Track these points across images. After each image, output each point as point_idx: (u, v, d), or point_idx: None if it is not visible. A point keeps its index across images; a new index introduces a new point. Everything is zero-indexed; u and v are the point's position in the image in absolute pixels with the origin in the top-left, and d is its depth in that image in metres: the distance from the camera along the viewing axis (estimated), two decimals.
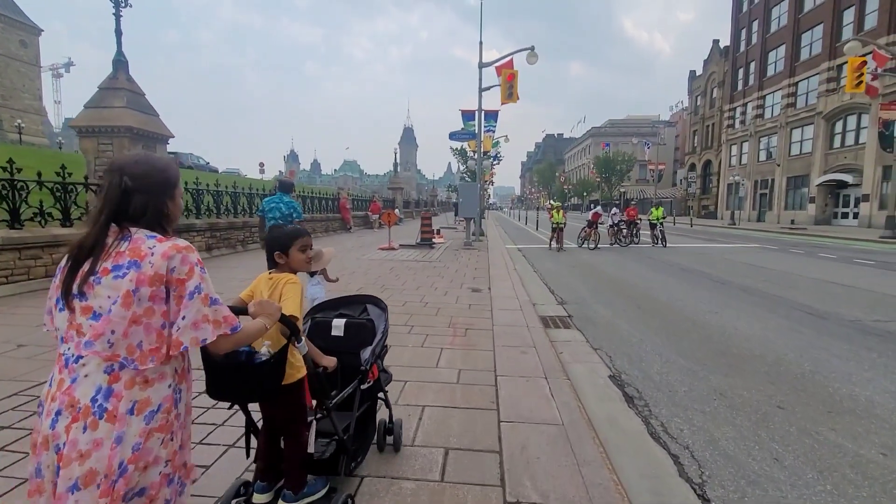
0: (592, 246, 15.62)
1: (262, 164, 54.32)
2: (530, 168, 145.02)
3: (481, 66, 18.27)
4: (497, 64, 18.04)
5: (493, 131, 21.82)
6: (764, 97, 37.67)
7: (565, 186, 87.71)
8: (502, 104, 17.71)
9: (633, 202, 17.75)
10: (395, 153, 41.14)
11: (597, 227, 15.71)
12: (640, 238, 17.04)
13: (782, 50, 35.54)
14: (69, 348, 1.21)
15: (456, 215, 31.26)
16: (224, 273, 9.14)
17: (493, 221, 37.18)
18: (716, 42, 47.77)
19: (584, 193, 77.19)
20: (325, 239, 17.73)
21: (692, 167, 51.63)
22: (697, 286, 8.68)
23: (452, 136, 17.96)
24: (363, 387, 2.22)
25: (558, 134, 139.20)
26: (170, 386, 1.27)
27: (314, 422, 1.95)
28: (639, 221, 16.87)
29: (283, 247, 2.01)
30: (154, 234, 1.27)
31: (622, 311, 6.63)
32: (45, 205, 7.05)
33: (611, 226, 16.76)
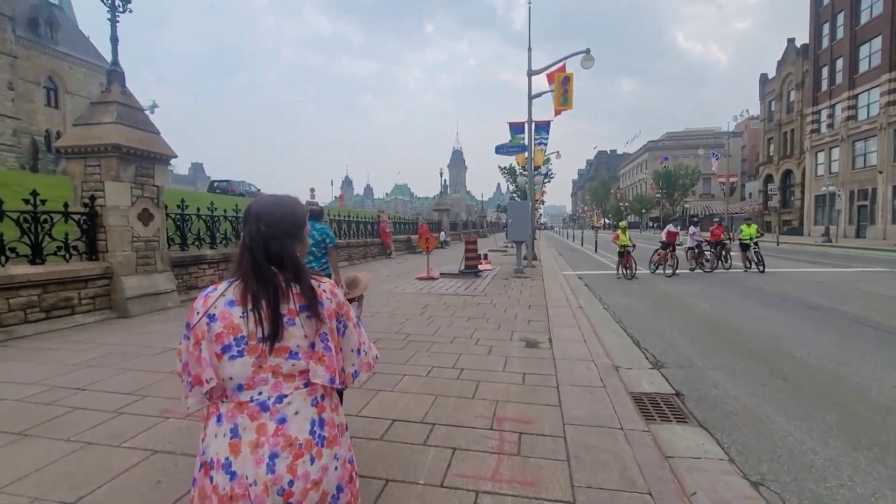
0: (670, 272, 13.03)
1: (312, 190, 55.19)
2: (582, 186, 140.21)
3: (530, 73, 16.49)
4: (549, 71, 16.22)
5: (545, 144, 19.80)
6: (856, 96, 32.97)
7: (621, 204, 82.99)
8: (556, 112, 15.75)
9: (716, 220, 14.94)
10: (442, 174, 40.04)
11: (674, 249, 13.12)
12: (732, 262, 14.13)
13: (878, 42, 31.03)
14: (260, 392, 1.21)
15: (507, 237, 29.19)
16: None
17: (545, 242, 34.71)
18: (791, 41, 43.27)
19: (643, 210, 72.46)
20: (362, 265, 16.32)
21: (769, 178, 46.48)
22: (850, 336, 6.13)
23: (499, 149, 16.15)
24: None
25: (611, 150, 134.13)
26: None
27: None
28: (727, 242, 14.04)
29: None
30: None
31: (760, 386, 4.35)
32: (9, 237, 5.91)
33: (690, 248, 14.06)
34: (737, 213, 48.91)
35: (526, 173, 19.26)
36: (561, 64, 16.03)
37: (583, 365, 4.73)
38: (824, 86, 36.55)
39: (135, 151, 7.14)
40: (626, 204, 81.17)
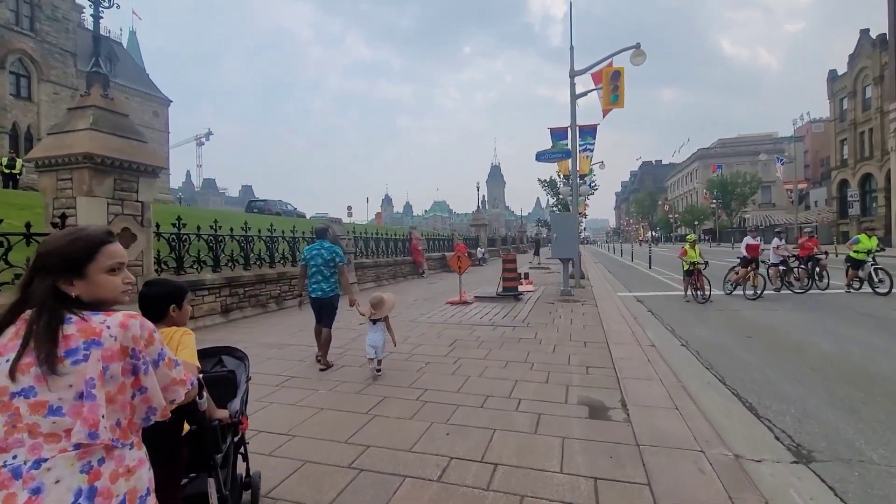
0: (751, 293, 10.82)
1: (349, 208, 55.34)
2: (626, 198, 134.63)
3: (573, 74, 14.90)
4: (594, 70, 14.59)
5: (591, 150, 17.95)
6: None
7: (670, 216, 78.29)
8: (604, 112, 14.01)
9: (807, 230, 12.58)
10: (479, 188, 38.68)
11: (758, 266, 10.90)
12: (830, 281, 11.60)
13: None
14: (15, 456, 1.03)
15: (535, 254, 27.16)
16: (246, 337, 6.50)
17: (590, 257, 32.32)
18: (864, 32, 39.12)
19: (696, 222, 67.82)
20: (390, 287, 15.00)
21: (843, 184, 41.85)
22: None
23: (540, 156, 14.51)
24: (235, 440, 2.19)
25: (656, 160, 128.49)
26: (149, 469, 1.23)
27: (210, 480, 1.87)
28: (822, 257, 11.62)
29: (179, 300, 2.04)
30: (96, 311, 1.16)
31: None
32: None
33: (774, 264, 11.74)
34: (803, 223, 44.26)
35: (569, 184, 17.50)
36: (608, 62, 14.34)
37: (687, 459, 3.00)
38: None
39: (112, 162, 6.12)
40: (677, 215, 76.46)
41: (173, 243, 7.69)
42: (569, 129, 15.27)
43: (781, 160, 40.35)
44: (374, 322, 4.98)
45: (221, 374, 2.25)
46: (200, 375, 1.78)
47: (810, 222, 46.08)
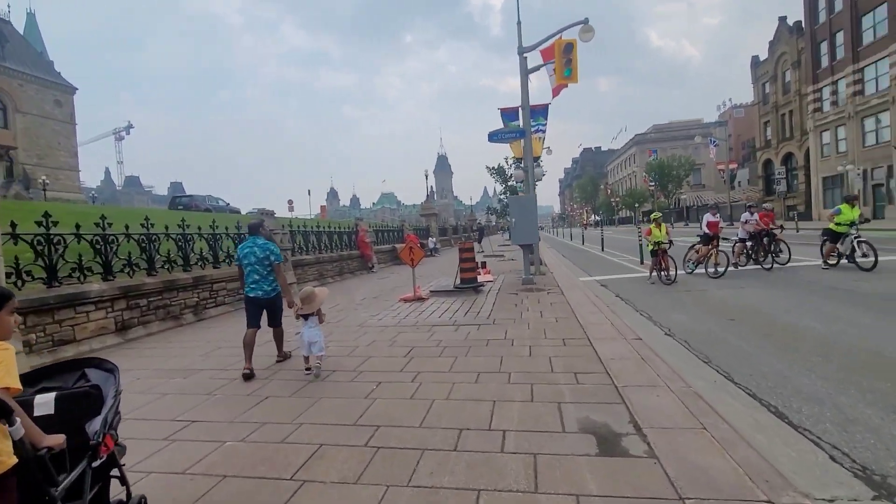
0: (713, 271, 10.52)
1: (290, 202, 52.31)
2: (569, 185, 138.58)
3: (521, 51, 14.06)
4: (543, 46, 13.82)
5: (544, 131, 17.29)
6: (862, 70, 31.13)
7: (612, 199, 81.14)
8: (556, 89, 13.29)
9: (765, 205, 12.56)
10: (427, 177, 37.53)
11: (719, 243, 10.61)
12: (789, 255, 11.42)
13: (882, 10, 29.21)
14: None
15: (479, 242, 26.60)
16: (142, 363, 4.97)
17: (542, 242, 32.17)
18: (782, 19, 41.61)
19: (636, 205, 70.60)
20: (335, 285, 13.56)
21: (768, 163, 44.68)
22: None
23: (493, 136, 13.58)
24: (94, 465, 1.83)
25: (596, 147, 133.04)
26: None
27: None
28: (778, 231, 11.55)
29: None
30: None
31: None
32: None
33: (741, 240, 11.57)
34: (736, 201, 47.04)
35: (522, 166, 16.77)
36: (557, 38, 13.60)
37: None
38: (824, 62, 34.75)
39: None
40: (618, 199, 79.32)
41: (40, 247, 5.93)
42: (520, 108, 14.46)
43: (715, 142, 42.33)
44: (305, 318, 4.76)
45: (82, 389, 1.95)
46: (11, 399, 1.51)
47: (738, 200, 49.03)
